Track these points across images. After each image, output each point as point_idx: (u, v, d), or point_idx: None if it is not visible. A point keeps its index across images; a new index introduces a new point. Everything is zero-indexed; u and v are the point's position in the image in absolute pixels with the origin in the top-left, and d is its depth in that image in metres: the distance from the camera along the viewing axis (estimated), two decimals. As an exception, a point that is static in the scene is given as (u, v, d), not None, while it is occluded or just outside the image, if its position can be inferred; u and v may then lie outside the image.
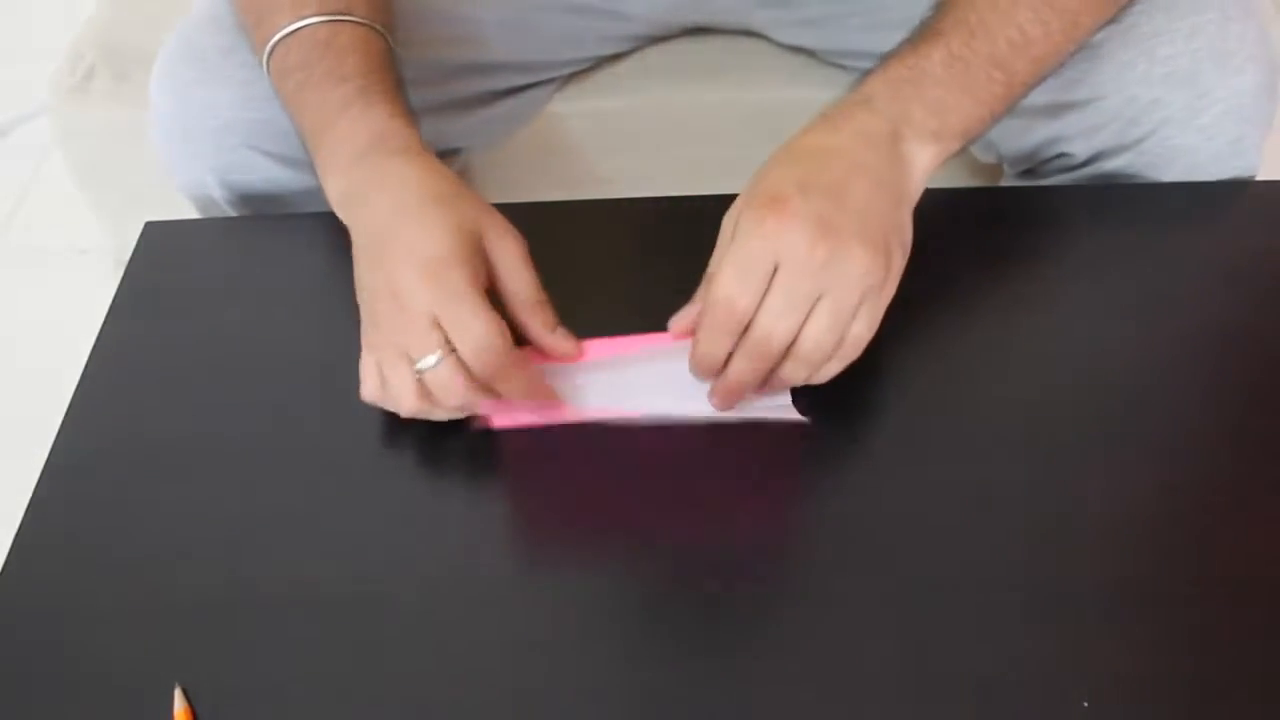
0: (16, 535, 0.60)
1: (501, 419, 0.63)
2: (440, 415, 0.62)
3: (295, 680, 0.54)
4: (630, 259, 0.74)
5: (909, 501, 0.59)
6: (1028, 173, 0.85)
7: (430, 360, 0.59)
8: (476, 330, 0.58)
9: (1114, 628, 0.54)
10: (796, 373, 0.61)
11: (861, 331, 0.60)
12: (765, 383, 0.61)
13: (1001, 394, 0.64)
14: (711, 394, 0.62)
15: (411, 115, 0.68)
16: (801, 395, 0.63)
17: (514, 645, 0.55)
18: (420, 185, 0.63)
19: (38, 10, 1.85)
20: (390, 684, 0.53)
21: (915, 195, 0.65)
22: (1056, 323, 0.68)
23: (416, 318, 0.59)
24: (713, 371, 0.61)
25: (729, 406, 0.62)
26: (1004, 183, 0.90)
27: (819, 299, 0.59)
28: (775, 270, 0.58)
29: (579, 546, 0.59)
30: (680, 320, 0.64)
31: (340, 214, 0.66)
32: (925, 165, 0.65)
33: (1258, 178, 0.78)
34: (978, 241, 0.72)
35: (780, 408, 0.63)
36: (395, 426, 0.64)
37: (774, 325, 0.59)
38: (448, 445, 0.63)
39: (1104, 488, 0.59)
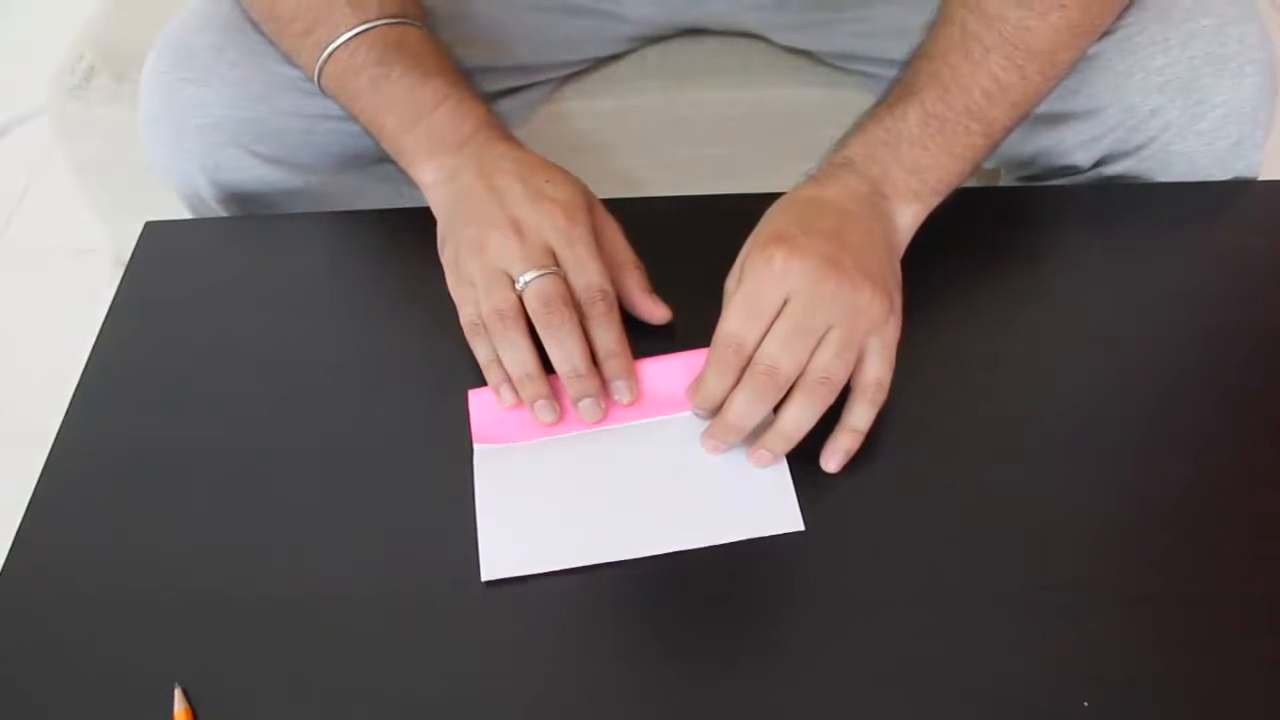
0: (16, 535, 0.60)
1: (483, 439, 0.62)
2: (508, 351, 0.63)
3: (295, 680, 0.54)
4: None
5: (909, 502, 0.59)
6: (1027, 179, 0.85)
7: (534, 274, 0.63)
8: (592, 269, 0.64)
9: (1114, 628, 0.54)
10: (804, 415, 0.59)
11: (881, 372, 0.61)
12: (768, 439, 0.60)
13: (1002, 394, 0.64)
14: (706, 435, 0.61)
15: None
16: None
17: (514, 645, 0.55)
18: (529, 156, 0.69)
19: (37, 10, 1.85)
20: (390, 684, 0.53)
21: (901, 249, 0.67)
22: (1057, 323, 0.68)
23: (535, 244, 0.64)
24: (713, 406, 0.61)
25: (724, 447, 0.61)
26: (1003, 184, 0.90)
27: (826, 331, 0.59)
28: (783, 305, 0.59)
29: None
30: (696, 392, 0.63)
31: (437, 190, 0.70)
32: (908, 223, 0.67)
33: (1258, 179, 0.78)
34: (978, 241, 0.72)
35: (783, 518, 0.59)
36: (396, 426, 0.64)
37: (779, 353, 0.59)
38: (448, 445, 0.63)
39: (1104, 488, 0.59)
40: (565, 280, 0.63)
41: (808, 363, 0.59)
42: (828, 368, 0.59)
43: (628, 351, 0.64)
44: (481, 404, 0.64)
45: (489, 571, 0.57)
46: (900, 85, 0.69)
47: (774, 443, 0.60)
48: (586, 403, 0.62)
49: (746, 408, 0.59)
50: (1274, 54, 0.75)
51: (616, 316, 0.64)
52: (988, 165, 0.88)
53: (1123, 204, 0.76)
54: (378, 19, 0.72)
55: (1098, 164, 0.79)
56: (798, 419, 0.59)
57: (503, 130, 0.72)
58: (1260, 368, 0.65)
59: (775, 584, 0.57)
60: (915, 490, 0.60)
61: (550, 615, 0.56)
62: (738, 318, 0.60)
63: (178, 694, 0.53)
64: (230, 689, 0.53)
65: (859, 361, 0.60)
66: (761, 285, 0.60)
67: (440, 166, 0.70)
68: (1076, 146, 0.78)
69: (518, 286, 0.63)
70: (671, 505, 0.60)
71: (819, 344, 0.59)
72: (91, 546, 0.60)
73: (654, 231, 0.70)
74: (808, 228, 0.62)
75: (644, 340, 0.66)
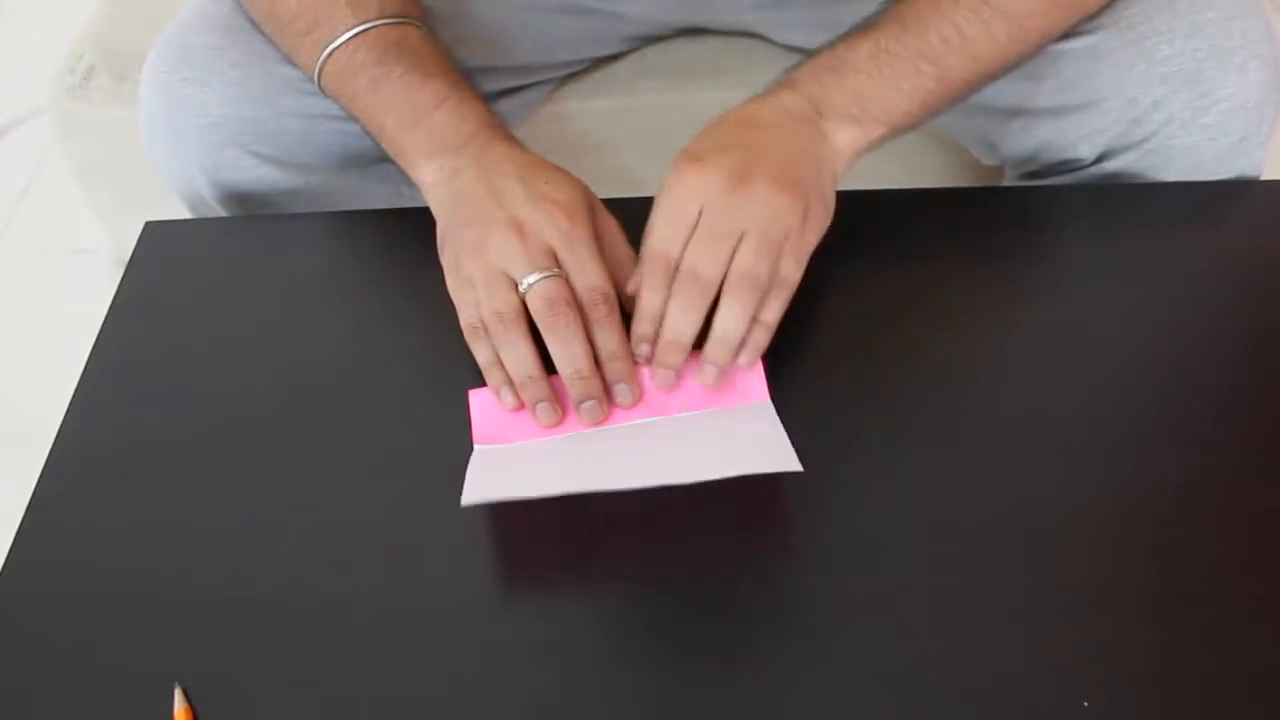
0: (16, 535, 0.60)
1: (484, 439, 0.63)
2: (508, 353, 0.63)
3: (295, 680, 0.54)
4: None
5: (909, 502, 0.59)
6: (1031, 175, 0.85)
7: (536, 276, 0.62)
8: (593, 271, 0.63)
9: (1114, 628, 0.54)
10: (733, 316, 0.61)
11: (790, 270, 0.63)
12: (710, 351, 0.62)
13: (1002, 394, 0.64)
14: (654, 362, 0.62)
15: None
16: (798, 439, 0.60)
17: (514, 646, 0.55)
18: (530, 157, 0.69)
19: (38, 10, 1.85)
20: (390, 684, 0.53)
21: (837, 166, 0.69)
22: (1057, 323, 0.68)
23: (537, 246, 0.63)
24: (655, 320, 0.63)
25: (672, 374, 0.62)
26: (1006, 184, 0.89)
27: (742, 236, 0.62)
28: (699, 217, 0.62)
29: (579, 548, 0.59)
30: (633, 282, 0.66)
31: (437, 190, 0.70)
32: (847, 144, 0.69)
33: (1262, 176, 0.78)
34: (978, 241, 0.72)
35: (777, 454, 0.59)
36: (396, 426, 0.64)
37: (699, 260, 0.62)
38: (448, 445, 0.63)
39: (1105, 488, 0.59)
40: (567, 281, 0.63)
41: (729, 266, 0.62)
42: (748, 267, 0.61)
43: (629, 354, 0.63)
44: (482, 404, 0.64)
45: (470, 496, 0.57)
46: (861, 24, 0.71)
47: (715, 352, 0.62)
48: (589, 404, 0.62)
49: (679, 316, 0.61)
50: (1278, 50, 0.75)
51: (618, 318, 0.64)
52: (989, 163, 0.88)
53: (1123, 204, 0.76)
54: (378, 19, 0.72)
55: (1101, 158, 0.79)
56: (728, 319, 0.62)
57: (504, 130, 0.72)
58: (1261, 368, 0.65)
59: (775, 584, 0.57)
60: (914, 490, 0.60)
61: (550, 615, 0.56)
62: (657, 232, 0.64)
63: (178, 694, 0.53)
64: (230, 689, 0.53)
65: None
66: (676, 198, 0.64)
67: (440, 167, 0.70)
68: (1079, 140, 0.78)
69: (520, 288, 0.63)
70: (665, 446, 0.61)
71: (736, 248, 0.62)
72: (91, 546, 0.60)
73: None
74: (725, 143, 0.66)
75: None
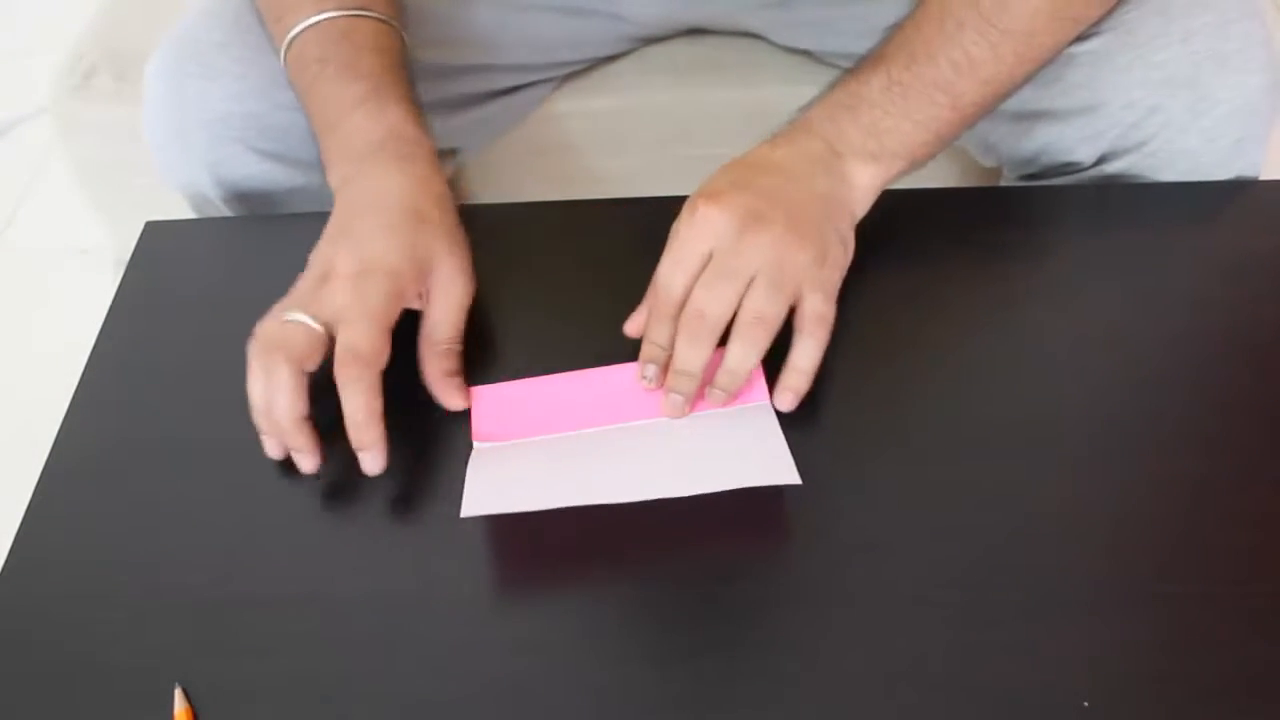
0: (16, 535, 0.60)
1: (483, 437, 0.62)
2: (254, 377, 0.61)
3: (295, 680, 0.54)
4: (625, 259, 0.73)
5: (908, 501, 0.59)
6: (1030, 177, 0.85)
7: (300, 315, 0.61)
8: (360, 334, 0.60)
9: (1114, 628, 0.54)
10: (743, 355, 0.61)
11: (819, 306, 0.63)
12: (719, 378, 0.61)
13: (1001, 393, 0.64)
14: (665, 390, 0.62)
15: (423, 117, 0.71)
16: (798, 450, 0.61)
17: (513, 646, 0.55)
18: (404, 196, 0.66)
19: (38, 10, 1.85)
20: (390, 684, 0.53)
21: (857, 208, 0.68)
22: (1057, 323, 0.68)
23: (322, 293, 0.62)
24: (659, 360, 0.63)
25: (683, 401, 0.62)
26: (1004, 184, 0.90)
27: (753, 277, 0.62)
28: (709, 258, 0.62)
29: (579, 547, 0.59)
30: (633, 322, 0.66)
31: (336, 197, 0.68)
32: (866, 184, 0.68)
33: (1261, 177, 0.78)
34: (978, 241, 0.72)
35: (776, 466, 0.59)
36: (396, 425, 0.63)
37: (706, 298, 0.62)
38: (448, 446, 0.63)
39: (1104, 487, 0.59)
40: (321, 334, 0.61)
41: (740, 306, 0.61)
42: (758, 308, 0.61)
43: (370, 421, 0.60)
44: (481, 402, 0.64)
45: (469, 508, 0.57)
46: (872, 54, 0.70)
47: (725, 380, 0.62)
48: (272, 448, 0.62)
49: (685, 351, 0.61)
50: (1276, 52, 0.75)
51: (364, 383, 0.59)
52: (988, 164, 0.88)
53: (1123, 204, 0.76)
54: (335, 10, 0.71)
55: (1099, 161, 0.79)
56: (738, 357, 0.61)
57: (411, 141, 0.68)
58: (1261, 368, 0.65)
59: (775, 583, 0.57)
60: (914, 489, 0.60)
61: (551, 615, 0.56)
62: (665, 268, 0.64)
63: (178, 694, 0.53)
64: (230, 689, 0.53)
65: (797, 303, 0.62)
66: (686, 237, 0.64)
67: (337, 174, 0.69)
68: (1078, 143, 0.78)
69: (285, 318, 0.61)
70: (664, 456, 0.61)
71: (748, 289, 0.62)
72: (91, 546, 0.60)
73: (654, 231, 0.69)
74: (740, 184, 0.65)
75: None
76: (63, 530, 0.61)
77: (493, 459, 0.61)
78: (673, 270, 0.63)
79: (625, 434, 0.63)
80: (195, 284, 0.74)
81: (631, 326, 0.66)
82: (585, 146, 0.98)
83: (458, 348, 0.65)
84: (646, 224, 0.69)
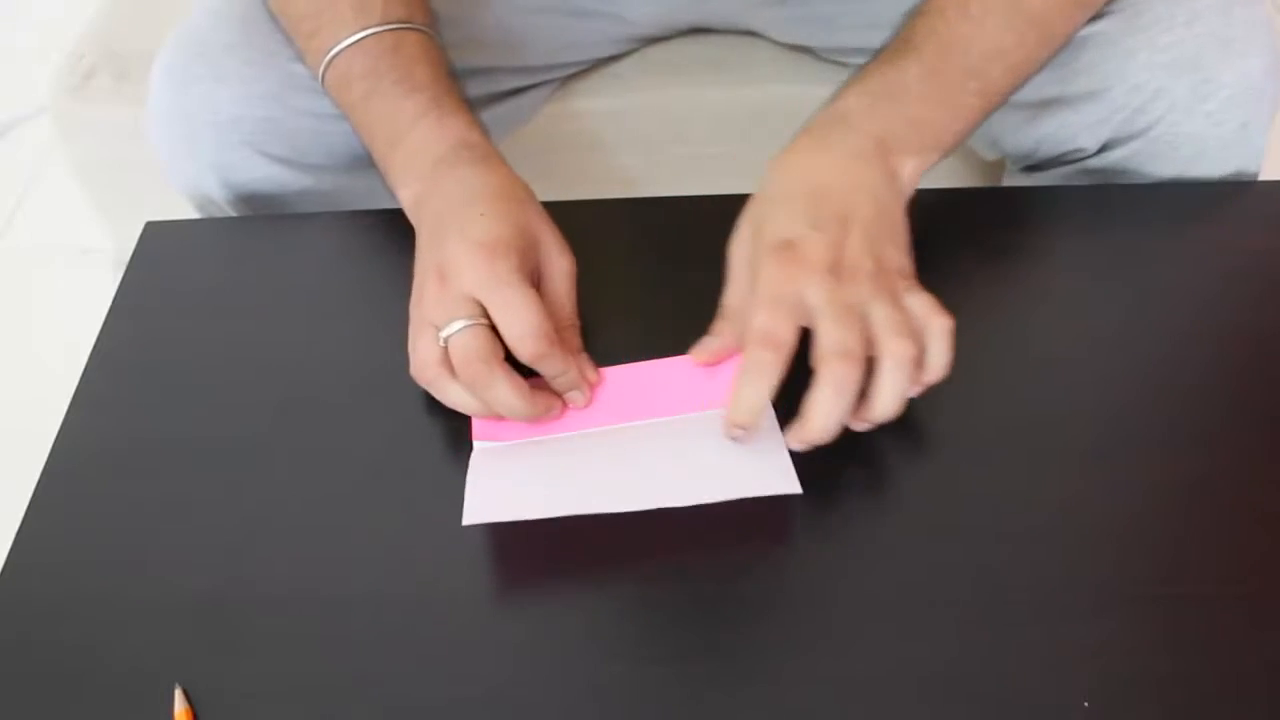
0: (16, 535, 0.60)
1: (484, 436, 0.62)
2: (452, 397, 0.61)
3: (295, 680, 0.54)
4: (628, 259, 0.74)
5: (909, 501, 0.59)
6: (1033, 167, 0.85)
7: (456, 325, 0.59)
8: (524, 313, 0.59)
9: (1114, 628, 0.54)
10: (895, 390, 0.58)
11: (931, 313, 0.59)
12: (873, 416, 0.58)
13: (1002, 394, 0.64)
14: (795, 443, 0.59)
15: (481, 123, 0.70)
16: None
17: (513, 646, 0.55)
18: (492, 185, 0.65)
19: (38, 10, 1.85)
20: (390, 684, 0.53)
21: (905, 200, 0.66)
22: (1057, 323, 0.68)
23: (456, 294, 0.60)
24: (754, 418, 0.58)
25: (820, 442, 0.58)
26: (1007, 178, 0.90)
27: (866, 314, 0.58)
28: (807, 310, 0.58)
29: (579, 550, 0.59)
30: (703, 351, 0.63)
31: (412, 216, 0.68)
32: (909, 177, 0.66)
33: (1263, 170, 0.78)
34: (978, 241, 0.72)
35: (777, 476, 0.58)
36: (396, 427, 0.64)
37: (844, 336, 0.57)
38: (448, 446, 0.63)
39: (1104, 487, 0.59)
40: (490, 328, 0.60)
41: (881, 344, 0.58)
42: (902, 352, 0.57)
43: (578, 374, 0.62)
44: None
45: (470, 516, 0.57)
46: (897, 40, 0.68)
47: (879, 415, 0.58)
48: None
49: (829, 405, 0.56)
50: (1278, 35, 0.75)
51: (554, 352, 0.60)
52: (991, 158, 0.88)
53: (1123, 204, 0.76)
54: (380, 24, 0.70)
55: (1104, 148, 0.79)
56: (891, 397, 0.58)
57: (479, 149, 0.68)
58: (1261, 368, 0.65)
59: (774, 584, 0.57)
60: (914, 489, 0.60)
61: (550, 616, 0.56)
62: (764, 316, 0.58)
63: (178, 694, 0.53)
64: (230, 689, 0.53)
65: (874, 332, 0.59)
66: (782, 294, 0.59)
67: (411, 191, 0.68)
68: (1083, 129, 0.78)
69: (440, 339, 0.60)
70: (666, 464, 0.60)
71: (870, 324, 0.58)
72: (91, 546, 0.60)
73: (654, 231, 0.70)
74: (816, 219, 0.60)
75: (649, 340, 0.66)
76: (63, 530, 0.61)
77: (494, 461, 0.61)
78: (774, 318, 0.58)
79: (627, 435, 0.63)
80: (196, 284, 0.74)
81: (702, 357, 0.63)
82: (586, 147, 0.98)
83: (578, 323, 0.65)
84: (648, 224, 0.70)
